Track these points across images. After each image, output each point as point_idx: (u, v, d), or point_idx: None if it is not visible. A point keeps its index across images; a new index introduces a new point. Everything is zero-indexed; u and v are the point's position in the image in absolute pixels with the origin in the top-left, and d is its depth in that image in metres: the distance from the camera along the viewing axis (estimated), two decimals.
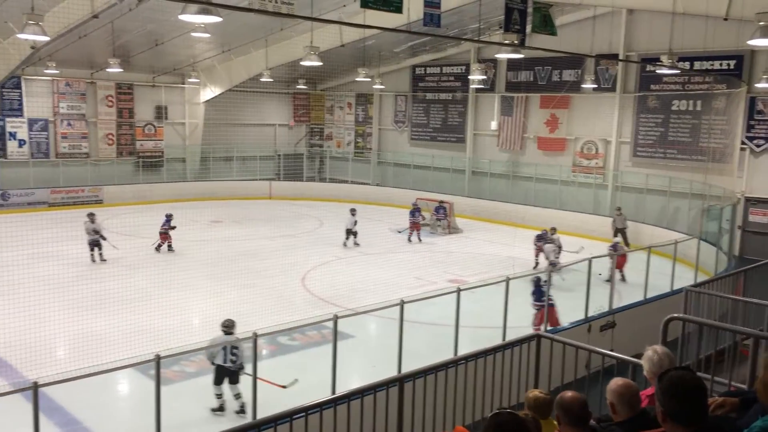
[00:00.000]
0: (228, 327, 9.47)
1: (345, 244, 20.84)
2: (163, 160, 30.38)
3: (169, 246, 19.45)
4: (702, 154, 21.09)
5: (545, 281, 12.11)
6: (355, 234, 21.02)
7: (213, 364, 9.39)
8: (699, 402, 2.90)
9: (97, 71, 27.40)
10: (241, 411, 9.24)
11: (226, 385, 9.39)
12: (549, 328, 11.35)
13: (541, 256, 18.04)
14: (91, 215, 18.07)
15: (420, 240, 22.16)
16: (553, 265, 15.95)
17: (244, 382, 9.05)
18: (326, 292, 15.47)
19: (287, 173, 32.74)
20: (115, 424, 9.33)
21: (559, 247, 17.64)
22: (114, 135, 29.15)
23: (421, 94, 30.85)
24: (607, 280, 13.79)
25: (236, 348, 9.30)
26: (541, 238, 18.55)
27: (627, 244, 20.68)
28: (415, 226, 22.35)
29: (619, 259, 15.62)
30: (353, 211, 21.32)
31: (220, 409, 9.35)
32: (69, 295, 13.61)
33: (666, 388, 2.94)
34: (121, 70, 24.05)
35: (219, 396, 9.42)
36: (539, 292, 12.27)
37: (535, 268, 17.75)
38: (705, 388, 3.02)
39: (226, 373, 9.34)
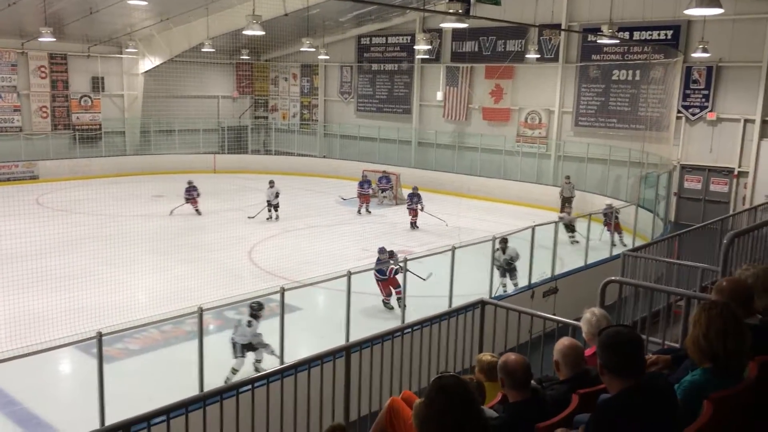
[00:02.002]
0: (251, 308, 9.59)
1: (268, 218, 20.44)
2: (101, 133, 29.42)
3: (197, 210, 20.84)
4: (640, 123, 21.66)
5: (383, 258, 12.51)
6: (276, 207, 20.56)
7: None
8: (635, 354, 3.02)
9: (28, 41, 26.18)
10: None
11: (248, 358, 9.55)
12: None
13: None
14: None
15: (369, 212, 22.17)
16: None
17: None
18: (273, 265, 15.36)
19: (231, 146, 32.15)
20: (56, 404, 9.13)
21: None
22: (48, 108, 28.03)
23: (366, 64, 30.62)
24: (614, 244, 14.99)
25: (239, 323, 9.55)
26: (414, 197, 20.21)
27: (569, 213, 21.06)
28: (363, 198, 22.29)
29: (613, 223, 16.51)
30: (272, 183, 20.79)
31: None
32: (5, 273, 13.15)
33: (603, 342, 3.06)
34: (54, 39, 22.99)
35: (257, 362, 9.66)
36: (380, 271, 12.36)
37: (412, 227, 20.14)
38: (641, 340, 3.15)
39: (240, 346, 9.51)
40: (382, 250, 12.83)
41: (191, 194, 21.01)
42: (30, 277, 13.18)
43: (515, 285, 12.81)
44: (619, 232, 16.68)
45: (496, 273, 12.57)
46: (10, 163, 26.17)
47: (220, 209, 21.69)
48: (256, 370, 9.44)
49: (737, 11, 19.41)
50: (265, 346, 9.53)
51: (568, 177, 22.13)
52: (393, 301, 12.30)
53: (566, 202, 21.45)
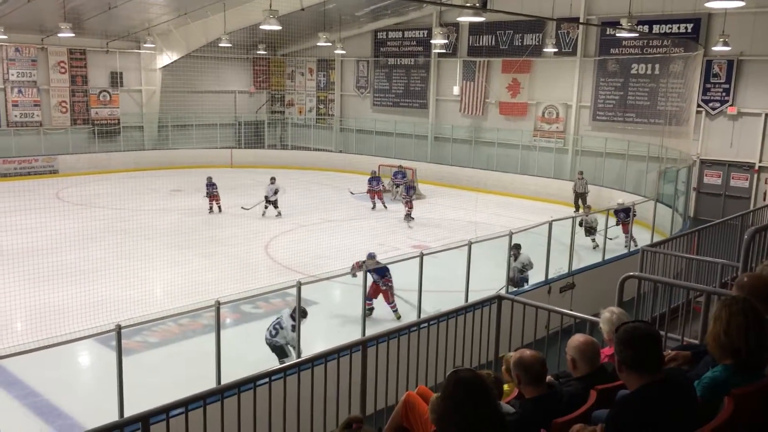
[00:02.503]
0: (294, 311, 9.30)
1: (263, 214, 20.15)
2: (120, 128, 29.65)
3: (219, 207, 20.74)
4: (659, 118, 21.43)
5: (371, 264, 11.35)
6: (275, 203, 20.31)
7: None
8: (653, 349, 2.99)
9: (47, 36, 26.43)
10: None
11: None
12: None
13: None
14: None
15: (385, 207, 22.09)
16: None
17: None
18: (290, 260, 15.42)
19: (248, 141, 32.28)
20: (76, 396, 9.24)
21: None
22: (67, 102, 28.29)
23: (383, 59, 30.57)
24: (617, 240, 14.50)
25: (280, 326, 9.38)
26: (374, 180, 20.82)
27: (586, 209, 20.80)
28: (373, 194, 22.12)
29: (623, 223, 16.20)
30: (273, 179, 20.67)
31: None
32: (25, 267, 13.31)
33: (621, 338, 3.03)
34: (73, 35, 23.20)
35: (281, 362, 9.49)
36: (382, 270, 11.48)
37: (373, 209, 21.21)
38: (658, 336, 3.12)
39: (268, 345, 9.43)
40: (371, 256, 11.74)
41: (212, 190, 20.96)
42: (50, 270, 13.34)
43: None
44: (625, 232, 16.21)
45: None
46: (30, 158, 26.48)
47: (237, 204, 21.79)
48: None
49: (759, 4, 19.10)
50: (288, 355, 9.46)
51: (581, 172, 21.95)
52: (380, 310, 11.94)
53: (579, 197, 21.28)
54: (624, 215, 16.16)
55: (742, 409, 2.84)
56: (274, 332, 9.45)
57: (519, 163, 25.85)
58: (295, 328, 9.18)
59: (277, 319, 9.55)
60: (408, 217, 20.30)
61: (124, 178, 25.19)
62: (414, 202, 20.91)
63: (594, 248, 16.00)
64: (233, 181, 25.29)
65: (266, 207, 20.35)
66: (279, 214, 20.35)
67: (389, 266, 11.38)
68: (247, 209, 20.29)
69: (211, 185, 20.89)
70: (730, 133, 20.99)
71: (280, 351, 9.46)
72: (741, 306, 3.08)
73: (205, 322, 10.60)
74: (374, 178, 22.45)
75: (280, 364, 9.42)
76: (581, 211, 18.93)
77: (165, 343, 10.72)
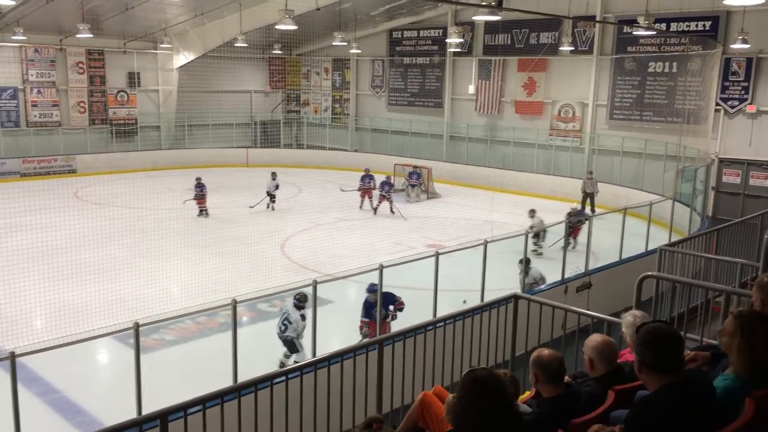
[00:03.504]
0: (296, 299, 9.52)
1: (269, 207, 21.12)
2: (137, 128, 29.89)
3: (205, 210, 19.99)
4: (677, 116, 21.23)
5: (373, 296, 10.02)
6: (273, 198, 21.12)
7: None
8: (673, 350, 2.96)
9: (66, 37, 26.72)
10: None
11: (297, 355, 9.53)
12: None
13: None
14: None
15: (373, 207, 21.49)
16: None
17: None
18: (305, 259, 15.46)
19: (264, 140, 32.42)
20: (95, 393, 9.33)
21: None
22: (86, 103, 28.57)
23: (398, 58, 30.56)
24: (562, 246, 13.77)
25: (288, 321, 9.44)
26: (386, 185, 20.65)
27: (593, 209, 20.56)
28: (365, 193, 21.80)
29: (575, 227, 15.47)
30: (274, 175, 21.36)
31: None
32: (45, 265, 13.46)
33: (642, 339, 3.00)
34: (91, 35, 23.43)
35: (285, 356, 9.63)
36: (370, 305, 10.15)
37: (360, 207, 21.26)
38: (680, 337, 3.09)
39: (280, 339, 9.50)
40: (371, 289, 10.15)
41: (201, 192, 20.20)
42: (69, 269, 13.49)
43: None
44: (575, 237, 15.55)
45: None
46: (49, 157, 26.78)
47: (252, 203, 21.88)
48: (283, 365, 9.43)
49: None
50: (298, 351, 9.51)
51: (590, 172, 21.79)
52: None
53: (588, 197, 21.10)
54: (577, 220, 15.60)
55: (763, 411, 2.81)
56: (283, 327, 9.55)
57: (535, 162, 25.73)
58: (304, 318, 9.38)
59: (284, 314, 9.61)
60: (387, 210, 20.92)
61: (141, 178, 25.38)
62: (428, 202, 20.88)
63: (537, 254, 15.13)
64: (249, 180, 25.39)
65: (267, 203, 21.19)
66: (273, 208, 21.18)
67: (405, 265, 11.34)
68: (253, 206, 20.90)
69: (199, 186, 20.19)
70: (749, 132, 20.76)
71: (291, 346, 9.54)
72: (749, 321, 3.05)
73: (222, 320, 10.66)
74: (366, 176, 21.99)
75: (285, 358, 9.54)
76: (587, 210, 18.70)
77: (182, 341, 10.80)
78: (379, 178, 22.02)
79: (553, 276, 12.14)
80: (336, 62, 33.09)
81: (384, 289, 9.65)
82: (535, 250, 15.01)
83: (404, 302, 10.31)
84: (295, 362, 9.33)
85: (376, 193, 21.58)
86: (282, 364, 9.45)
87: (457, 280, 11.90)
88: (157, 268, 14.01)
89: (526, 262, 11.82)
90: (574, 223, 15.48)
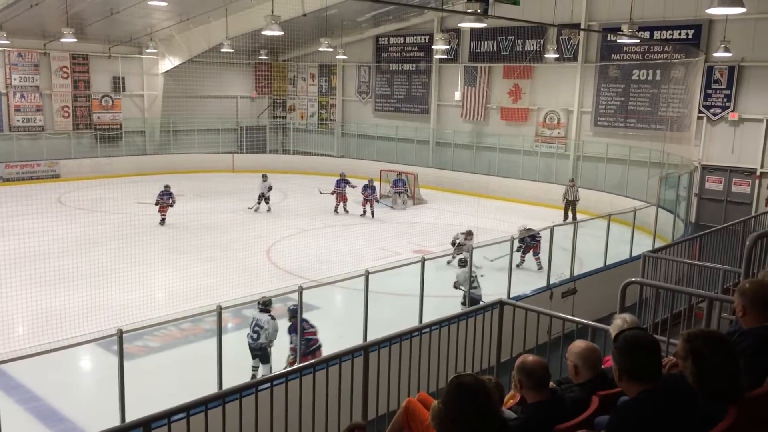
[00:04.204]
0: (261, 304, 9.38)
1: (256, 209, 21.60)
2: (122, 133, 29.71)
3: (163, 219, 19.27)
4: (661, 123, 21.44)
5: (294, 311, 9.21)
6: (267, 199, 21.78)
7: None
8: (651, 357, 2.97)
9: (50, 41, 26.51)
10: None
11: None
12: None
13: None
14: None
15: (347, 211, 21.98)
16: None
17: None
18: (291, 265, 15.43)
19: (250, 145, 32.32)
20: (78, 400, 9.24)
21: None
22: (70, 107, 28.36)
23: (384, 64, 30.63)
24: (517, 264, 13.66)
25: (259, 326, 9.27)
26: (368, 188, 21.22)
27: (575, 217, 20.57)
28: (340, 198, 22.04)
29: (533, 246, 15.30)
30: (265, 177, 21.99)
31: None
32: (27, 271, 13.32)
33: (620, 347, 3.02)
34: (76, 40, 23.23)
35: (253, 369, 9.44)
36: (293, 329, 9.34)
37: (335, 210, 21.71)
38: (657, 344, 3.10)
39: (251, 349, 9.33)
40: (292, 310, 9.36)
41: (164, 199, 19.39)
42: (52, 275, 13.36)
43: None
44: (536, 253, 15.21)
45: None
46: (32, 162, 26.53)
47: (239, 208, 21.82)
48: (254, 377, 9.28)
49: (760, 10, 19.14)
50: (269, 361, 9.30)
51: (572, 179, 21.88)
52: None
53: (570, 205, 21.19)
54: (530, 239, 15.14)
55: (746, 415, 2.84)
56: (255, 336, 9.35)
57: (521, 169, 25.87)
58: (274, 318, 9.28)
59: (252, 322, 9.44)
60: (367, 213, 21.46)
61: (126, 183, 25.21)
62: (414, 208, 20.96)
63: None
64: (235, 185, 25.33)
65: (259, 203, 21.72)
66: (269, 209, 21.75)
67: (391, 271, 11.34)
68: (251, 208, 21.49)
69: (166, 194, 19.48)
70: (731, 139, 21.00)
71: (263, 355, 9.35)
72: (710, 344, 2.95)
73: (207, 326, 10.61)
74: (342, 180, 22.18)
75: (253, 370, 9.37)
76: (569, 219, 18.76)
77: (167, 348, 10.73)
78: (362, 183, 22.08)
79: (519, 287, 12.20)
80: (322, 68, 33.10)
81: (370, 295, 9.60)
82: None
83: (318, 340, 9.35)
84: (263, 375, 9.05)
85: (358, 198, 21.85)
86: (254, 377, 9.28)
87: (444, 286, 11.93)
88: (142, 273, 13.93)
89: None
90: (528, 244, 15.22)
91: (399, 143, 29.73)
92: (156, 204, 19.42)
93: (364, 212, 21.87)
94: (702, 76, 20.65)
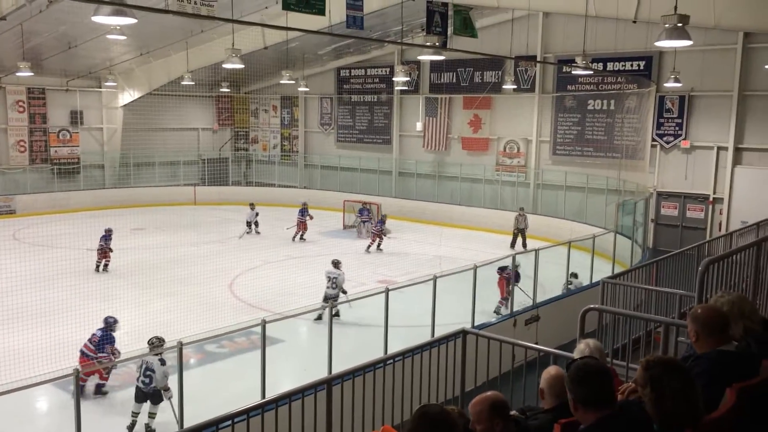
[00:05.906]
0: (151, 344, 9.03)
1: (241, 237, 22.29)
2: (80, 167, 29.23)
3: (106, 265, 18.02)
4: (616, 152, 22.00)
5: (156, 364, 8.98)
6: (256, 224, 23.12)
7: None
8: (604, 384, 3.02)
9: (6, 75, 26.09)
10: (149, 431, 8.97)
11: (147, 405, 9.05)
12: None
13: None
14: None
15: (303, 239, 22.47)
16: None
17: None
18: (254, 298, 15.26)
19: (212, 178, 32.10)
20: None
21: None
22: (26, 142, 27.84)
23: (346, 96, 30.88)
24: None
25: (151, 370, 8.88)
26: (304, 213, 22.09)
27: (524, 244, 21.01)
28: (301, 226, 22.53)
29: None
30: (252, 206, 23.46)
31: (131, 427, 9.02)
32: None
33: (572, 376, 3.07)
34: (32, 74, 22.97)
35: (134, 414, 9.05)
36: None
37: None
38: (609, 372, 3.16)
39: (142, 393, 8.98)
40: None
41: (106, 244, 18.05)
42: (7, 313, 12.99)
43: None
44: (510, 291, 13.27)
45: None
46: None
47: (200, 241, 21.57)
48: (148, 426, 8.99)
49: (707, 42, 19.91)
50: (168, 389, 8.90)
51: (521, 209, 22.33)
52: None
53: (519, 233, 21.56)
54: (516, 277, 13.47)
55: (743, 402, 2.86)
56: (147, 380, 8.94)
57: (483, 197, 26.18)
58: (164, 362, 8.87)
59: (143, 364, 8.98)
60: (374, 248, 21.15)
61: (84, 218, 24.73)
62: (378, 237, 21.05)
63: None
64: (196, 218, 25.05)
65: (248, 232, 22.78)
66: (258, 232, 23.16)
67: (354, 303, 11.33)
68: (241, 237, 22.32)
69: (107, 238, 18.12)
70: (684, 166, 21.63)
71: (157, 397, 9.00)
72: (668, 372, 3.00)
73: (169, 363, 10.39)
74: (303, 210, 22.73)
75: (150, 419, 9.05)
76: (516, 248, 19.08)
77: (126, 386, 10.46)
78: (332, 215, 22.23)
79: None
80: (284, 100, 33.21)
81: (335, 326, 9.56)
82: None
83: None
84: (170, 399, 8.75)
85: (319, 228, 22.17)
86: (148, 427, 8.99)
87: (408, 316, 11.92)
88: (101, 310, 13.57)
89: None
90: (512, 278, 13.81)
91: (362, 174, 29.87)
92: (97, 249, 18.04)
93: (295, 237, 22.43)
94: (654, 106, 21.32)
